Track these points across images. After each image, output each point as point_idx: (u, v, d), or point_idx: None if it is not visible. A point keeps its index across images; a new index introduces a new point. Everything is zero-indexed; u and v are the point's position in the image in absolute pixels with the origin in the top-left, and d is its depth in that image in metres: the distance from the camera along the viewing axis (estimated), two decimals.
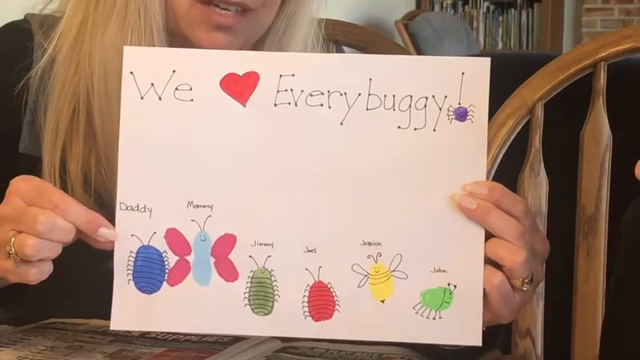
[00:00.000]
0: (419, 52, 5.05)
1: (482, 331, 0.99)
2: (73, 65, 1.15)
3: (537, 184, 1.38)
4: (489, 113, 1.40)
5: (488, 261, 0.96)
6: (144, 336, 1.06)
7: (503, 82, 1.42)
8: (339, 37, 1.55)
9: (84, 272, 1.07)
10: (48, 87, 1.16)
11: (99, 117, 1.13)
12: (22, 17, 1.23)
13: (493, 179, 1.36)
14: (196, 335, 1.06)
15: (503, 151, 1.39)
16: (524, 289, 0.97)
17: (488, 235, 0.97)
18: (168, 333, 1.06)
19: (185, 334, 1.06)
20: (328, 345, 1.06)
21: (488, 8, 6.74)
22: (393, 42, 1.70)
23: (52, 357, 0.99)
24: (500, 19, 6.70)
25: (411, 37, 5.24)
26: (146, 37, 1.13)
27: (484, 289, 0.96)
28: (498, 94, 1.41)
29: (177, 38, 1.15)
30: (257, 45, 1.21)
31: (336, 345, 1.06)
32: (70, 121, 1.14)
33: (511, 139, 1.39)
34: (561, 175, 1.39)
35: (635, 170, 0.85)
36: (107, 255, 0.98)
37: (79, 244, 0.97)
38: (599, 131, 1.37)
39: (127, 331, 1.07)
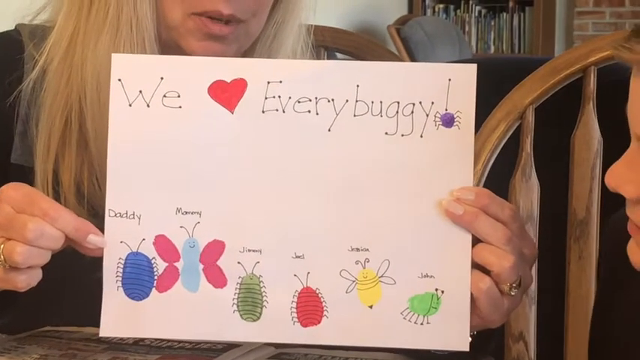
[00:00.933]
0: (411, 57, 5.05)
1: (474, 336, 1.00)
2: (65, 76, 1.15)
3: (529, 188, 1.39)
4: (482, 116, 1.42)
5: (476, 266, 0.97)
6: (137, 343, 1.06)
7: (496, 86, 1.43)
8: (331, 43, 1.55)
9: (78, 280, 1.07)
10: (40, 98, 1.16)
11: (92, 128, 1.13)
12: (12, 27, 1.23)
13: (485, 184, 1.36)
14: (190, 342, 1.06)
15: (495, 156, 1.40)
16: (513, 293, 0.97)
17: (476, 241, 0.97)
18: (161, 340, 1.07)
19: (178, 341, 1.06)
20: (321, 351, 1.06)
21: (480, 12, 6.74)
22: (385, 48, 1.70)
23: None
24: (492, 23, 6.71)
25: (404, 42, 5.25)
26: (138, 47, 1.13)
27: (472, 295, 0.97)
28: (490, 98, 1.42)
29: (169, 49, 1.16)
30: (246, 52, 1.21)
31: (329, 351, 1.06)
32: (62, 132, 1.14)
33: (502, 144, 1.40)
34: (553, 180, 1.39)
35: (605, 178, 0.86)
36: (101, 263, 0.98)
37: (73, 252, 0.98)
38: (589, 135, 1.37)
39: (121, 339, 1.07)
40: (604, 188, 1.37)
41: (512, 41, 6.65)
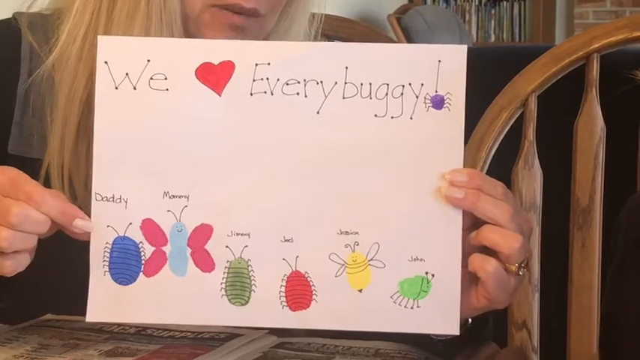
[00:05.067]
0: None
1: (470, 323, 1.00)
2: (82, 66, 1.14)
3: (532, 176, 1.38)
4: (484, 105, 1.41)
5: (480, 248, 0.96)
6: (139, 333, 1.06)
7: (497, 75, 1.43)
8: (332, 32, 1.54)
9: (81, 269, 1.06)
10: (42, 87, 1.15)
11: None
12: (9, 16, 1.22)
13: (487, 172, 1.36)
14: (192, 332, 1.06)
15: (497, 145, 1.39)
16: (521, 273, 0.96)
17: (469, 223, 0.96)
18: (163, 330, 1.06)
19: (180, 331, 1.06)
20: (324, 340, 1.05)
21: (480, 1, 6.73)
22: (387, 36, 1.70)
23: (47, 355, 0.99)
24: (493, 11, 6.70)
25: (404, 31, 5.24)
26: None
27: (479, 277, 0.96)
28: (492, 87, 1.41)
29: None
30: None
31: (332, 340, 1.05)
32: (78, 123, 1.14)
33: (505, 132, 1.39)
34: (556, 167, 1.39)
35: None
36: None
37: (75, 241, 0.97)
38: (592, 123, 1.37)
39: (123, 328, 1.06)
40: (607, 176, 1.37)
41: (512, 30, 6.64)
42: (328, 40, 1.54)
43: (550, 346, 1.40)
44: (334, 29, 1.56)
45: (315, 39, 1.26)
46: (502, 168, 1.36)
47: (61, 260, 1.06)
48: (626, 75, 0.96)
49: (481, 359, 1.08)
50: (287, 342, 1.05)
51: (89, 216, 0.97)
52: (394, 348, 1.04)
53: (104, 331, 1.06)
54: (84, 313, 0.99)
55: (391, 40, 1.70)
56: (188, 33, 1.15)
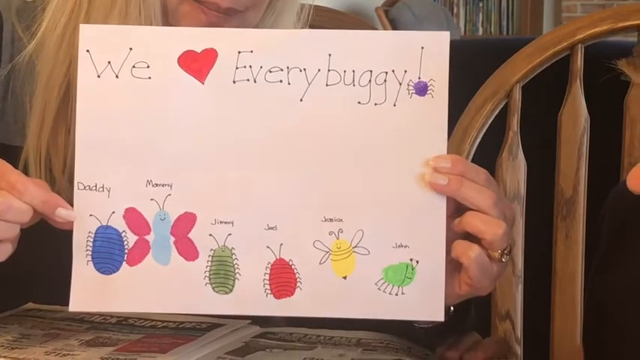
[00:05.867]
0: None
1: (452, 311, 0.99)
2: (63, 52, 1.13)
3: (516, 167, 1.38)
4: (470, 98, 1.41)
5: (463, 235, 0.96)
6: (121, 323, 1.06)
7: (484, 67, 1.42)
8: (320, 23, 1.54)
9: (64, 258, 1.06)
10: (23, 74, 1.14)
11: None
12: None
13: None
14: (174, 322, 1.05)
15: (481, 135, 1.39)
16: (504, 260, 0.96)
17: (453, 209, 0.96)
18: (145, 319, 1.06)
19: (162, 321, 1.06)
20: (306, 330, 1.05)
21: None
22: (375, 28, 1.69)
23: (28, 345, 0.98)
24: (481, 4, 6.70)
25: (392, 24, 5.24)
26: None
27: (462, 264, 0.96)
28: (479, 79, 1.41)
29: None
30: None
31: (314, 330, 1.05)
32: (57, 109, 1.13)
33: (489, 123, 1.39)
34: (540, 158, 1.39)
35: (628, 182, 0.84)
36: None
37: (59, 231, 0.97)
38: (576, 113, 1.37)
39: (104, 318, 1.06)
40: (591, 167, 1.37)
41: (500, 23, 6.64)
42: None
43: (533, 336, 1.40)
44: (322, 21, 1.56)
45: None
46: (486, 159, 1.36)
47: (44, 250, 1.05)
48: (607, 64, 0.96)
49: (464, 348, 1.09)
50: (269, 332, 1.05)
51: (70, 203, 0.96)
52: (376, 338, 1.04)
53: (85, 321, 1.06)
54: (67, 303, 0.99)
55: None
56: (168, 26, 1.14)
